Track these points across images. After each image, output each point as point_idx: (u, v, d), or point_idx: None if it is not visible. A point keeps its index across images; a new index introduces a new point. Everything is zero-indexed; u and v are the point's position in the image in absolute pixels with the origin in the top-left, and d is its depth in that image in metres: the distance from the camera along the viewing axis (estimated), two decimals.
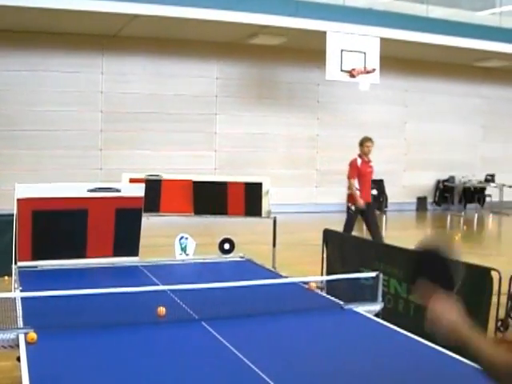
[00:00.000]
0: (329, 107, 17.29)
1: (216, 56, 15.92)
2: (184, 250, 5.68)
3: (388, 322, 3.66)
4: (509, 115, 19.27)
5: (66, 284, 4.15)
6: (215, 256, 5.89)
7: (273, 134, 16.69)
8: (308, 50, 15.88)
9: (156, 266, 5.40)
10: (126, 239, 5.45)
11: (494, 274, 4.76)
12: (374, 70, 14.22)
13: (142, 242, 5.56)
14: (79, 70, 14.74)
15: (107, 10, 12.23)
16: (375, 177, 17.47)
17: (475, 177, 18.22)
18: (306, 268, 7.34)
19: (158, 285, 4.44)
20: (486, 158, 19.06)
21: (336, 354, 3.16)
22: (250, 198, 7.71)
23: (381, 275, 4.12)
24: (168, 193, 7.82)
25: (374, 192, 17.44)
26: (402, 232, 13.57)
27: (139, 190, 5.50)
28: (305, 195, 17.07)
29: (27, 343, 3.05)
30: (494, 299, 4.83)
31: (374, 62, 14.21)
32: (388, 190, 17.70)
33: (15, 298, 3.70)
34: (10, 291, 4.30)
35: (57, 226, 5.17)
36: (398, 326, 3.51)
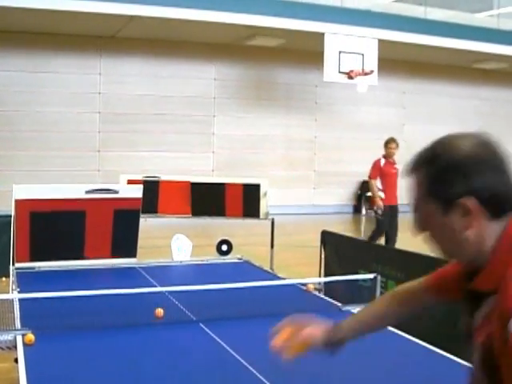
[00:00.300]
0: (327, 109, 17.30)
1: (214, 57, 15.93)
2: (180, 249, 5.68)
3: None
4: (507, 117, 19.29)
5: (64, 285, 4.15)
6: (213, 257, 5.89)
7: (271, 135, 16.70)
8: (306, 52, 15.89)
9: (154, 267, 5.40)
10: (124, 240, 5.45)
11: None
12: (372, 71, 14.23)
13: (140, 243, 5.56)
14: (77, 71, 14.74)
15: (105, 11, 12.22)
16: None
17: None
18: (304, 269, 7.34)
19: (155, 286, 4.44)
20: None
21: (333, 356, 3.16)
22: (248, 200, 7.71)
23: (379, 277, 4.13)
24: (166, 194, 7.83)
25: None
26: (401, 234, 13.55)
27: (137, 192, 5.50)
28: (303, 196, 17.08)
29: (25, 345, 3.05)
30: None
31: (372, 63, 14.22)
32: None
33: (13, 300, 3.70)
34: (8, 292, 4.30)
35: (55, 228, 5.17)
36: (396, 328, 3.51)
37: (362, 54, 14.09)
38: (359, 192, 17.66)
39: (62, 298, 3.53)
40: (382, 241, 9.36)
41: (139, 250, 5.55)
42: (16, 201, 5.03)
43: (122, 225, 5.39)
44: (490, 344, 1.40)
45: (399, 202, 9.60)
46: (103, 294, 3.63)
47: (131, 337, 3.32)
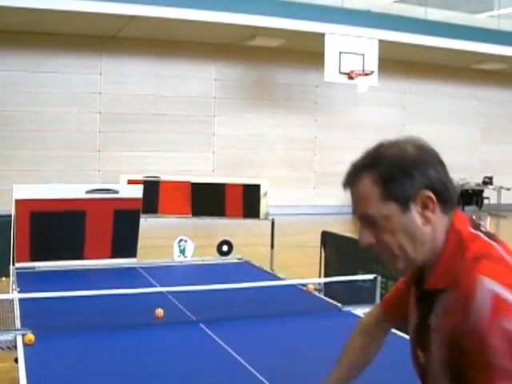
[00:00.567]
0: (327, 109, 17.30)
1: (214, 58, 15.93)
2: (183, 252, 5.68)
3: None
4: (507, 117, 19.29)
5: (64, 285, 4.15)
6: (213, 258, 5.89)
7: (271, 135, 16.70)
8: (306, 52, 15.89)
9: (154, 267, 5.40)
10: (124, 240, 5.45)
11: None
12: (372, 72, 14.23)
13: (140, 243, 5.56)
14: (77, 71, 14.74)
15: (106, 11, 12.23)
16: None
17: (473, 179, 18.22)
18: (304, 270, 7.33)
19: (155, 286, 4.44)
20: (484, 160, 19.08)
21: (334, 356, 3.16)
22: (248, 200, 7.71)
23: (379, 277, 4.12)
24: (166, 194, 7.83)
25: None
26: None
27: (137, 192, 5.50)
28: (303, 197, 17.08)
29: (25, 344, 3.05)
30: None
31: (372, 64, 14.22)
32: None
33: (13, 299, 3.70)
34: (8, 292, 4.30)
35: (55, 227, 5.17)
36: (397, 329, 3.51)
37: (363, 55, 14.09)
38: None
39: (62, 297, 3.53)
40: None
41: (139, 250, 5.55)
42: (16, 201, 5.03)
43: (122, 225, 5.39)
44: (456, 337, 1.42)
45: None
46: (103, 294, 3.63)
47: (131, 337, 3.32)
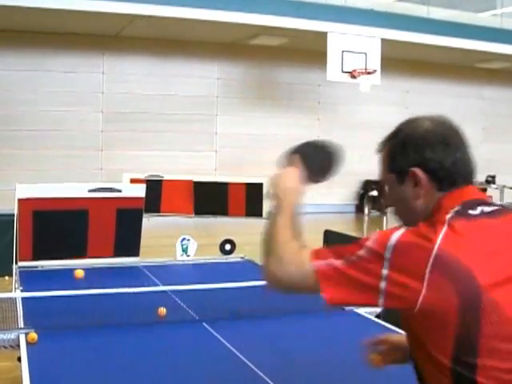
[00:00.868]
0: (329, 108, 17.29)
1: (217, 57, 15.92)
2: (185, 251, 5.68)
3: (389, 323, 3.66)
4: (510, 117, 19.26)
5: (67, 284, 4.15)
6: (216, 257, 5.89)
7: (273, 134, 16.69)
8: (309, 51, 15.88)
9: (157, 266, 5.40)
10: (127, 239, 5.45)
11: None
12: (375, 71, 14.22)
13: (143, 242, 5.56)
14: (80, 71, 14.75)
15: (108, 10, 12.23)
16: (375, 177, 17.58)
17: (476, 178, 18.17)
18: None
19: (158, 285, 4.44)
20: (487, 159, 19.04)
21: (337, 355, 3.16)
22: (251, 199, 7.72)
23: None
24: (169, 193, 7.83)
25: (375, 193, 17.47)
26: None
27: (140, 191, 5.50)
28: (305, 196, 17.05)
29: (28, 343, 3.05)
30: None
31: (375, 62, 14.20)
32: None
33: (16, 298, 3.70)
34: (11, 291, 4.31)
35: (57, 226, 5.18)
36: (399, 327, 3.50)
37: (365, 53, 14.07)
38: (362, 191, 17.65)
39: (64, 296, 3.53)
40: None
41: (142, 249, 5.55)
42: (19, 200, 5.03)
43: (125, 224, 5.39)
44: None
45: None
46: (106, 293, 3.63)
47: (134, 336, 3.32)
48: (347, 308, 3.88)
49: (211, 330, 3.42)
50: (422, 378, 1.70)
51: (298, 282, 1.66)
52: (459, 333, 1.48)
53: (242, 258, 5.85)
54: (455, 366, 1.51)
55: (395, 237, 1.53)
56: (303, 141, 2.11)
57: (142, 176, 7.76)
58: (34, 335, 3.10)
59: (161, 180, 7.88)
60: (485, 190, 18.56)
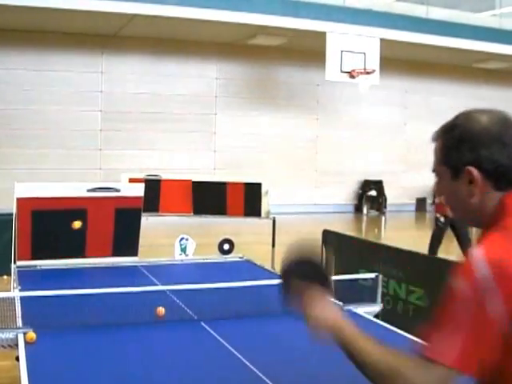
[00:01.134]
0: (328, 108, 17.30)
1: (216, 56, 15.93)
2: (184, 250, 5.68)
3: (387, 323, 3.66)
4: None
5: (65, 283, 4.15)
6: (214, 256, 5.89)
7: (272, 134, 16.70)
8: (308, 51, 15.88)
9: (155, 266, 5.40)
10: (126, 239, 5.44)
11: None
12: (373, 70, 14.22)
13: (142, 242, 5.56)
14: (79, 70, 14.75)
15: (107, 9, 12.23)
16: (374, 177, 17.60)
17: None
18: None
19: (157, 285, 4.44)
20: None
21: (336, 355, 3.16)
22: (250, 199, 7.70)
23: (380, 276, 4.12)
24: (167, 193, 7.82)
25: (373, 193, 17.48)
26: (402, 233, 13.57)
27: (139, 190, 5.50)
28: (304, 196, 17.08)
29: (26, 343, 3.05)
30: None
31: (373, 62, 14.21)
32: (387, 191, 17.71)
33: (14, 298, 3.70)
34: (9, 291, 4.30)
35: (56, 226, 5.17)
36: (397, 327, 3.51)
37: (364, 53, 14.08)
38: (360, 191, 17.67)
39: (63, 296, 3.53)
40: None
41: (140, 249, 5.55)
42: (17, 199, 5.03)
43: (124, 223, 5.39)
44: None
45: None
46: (104, 292, 3.63)
47: (132, 335, 3.32)
48: (345, 307, 3.88)
49: (209, 329, 3.42)
50: None
51: None
52: None
53: (240, 257, 5.85)
54: None
55: (480, 261, 1.45)
56: (283, 263, 1.98)
57: (140, 175, 7.75)
58: (32, 335, 3.10)
59: (159, 179, 7.86)
60: None
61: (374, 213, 17.50)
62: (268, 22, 13.49)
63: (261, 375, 2.74)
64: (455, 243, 8.98)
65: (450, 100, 18.40)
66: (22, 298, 3.68)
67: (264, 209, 7.70)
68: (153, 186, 7.52)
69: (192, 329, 3.46)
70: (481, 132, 1.60)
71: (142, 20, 13.07)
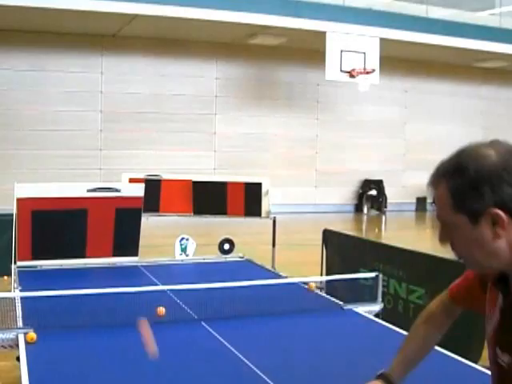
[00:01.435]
0: (328, 107, 17.29)
1: (215, 56, 15.92)
2: (184, 250, 5.68)
3: (388, 322, 3.66)
4: (508, 116, 19.26)
5: (66, 284, 4.15)
6: (215, 256, 5.89)
7: (272, 134, 16.70)
8: (308, 50, 15.88)
9: (156, 266, 5.40)
10: (126, 239, 5.45)
11: None
12: (373, 70, 14.22)
13: (142, 242, 5.56)
14: (79, 70, 14.74)
15: (107, 9, 12.23)
16: (374, 177, 17.60)
17: None
18: (306, 268, 7.33)
19: (157, 285, 4.44)
20: None
21: (336, 355, 3.17)
22: (250, 198, 7.69)
23: (380, 276, 4.12)
24: (167, 193, 7.81)
25: (374, 193, 17.48)
26: (402, 232, 13.57)
27: (139, 190, 5.50)
28: (304, 195, 17.08)
29: (27, 343, 3.05)
30: None
31: (373, 62, 14.21)
32: (387, 191, 17.70)
33: (15, 298, 3.70)
34: (10, 291, 4.30)
35: (56, 226, 5.17)
36: (398, 327, 3.51)
37: (364, 53, 14.08)
38: (361, 191, 17.66)
39: (63, 296, 3.53)
40: None
41: (141, 249, 5.55)
42: (18, 199, 5.03)
43: (124, 223, 5.39)
44: None
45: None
46: (105, 292, 3.63)
47: (133, 335, 3.31)
48: (346, 307, 3.88)
49: (210, 329, 3.42)
50: None
51: None
52: None
53: (240, 257, 5.85)
54: None
55: None
56: None
57: (140, 176, 7.74)
58: (32, 335, 3.10)
59: (159, 180, 7.85)
60: None
61: (374, 212, 17.49)
62: (268, 21, 13.48)
63: (261, 375, 2.74)
64: None
65: (449, 99, 18.42)
66: (23, 299, 3.68)
67: (264, 208, 7.69)
68: (153, 186, 7.51)
69: (192, 328, 3.46)
70: (497, 168, 1.45)
71: (142, 20, 13.07)
